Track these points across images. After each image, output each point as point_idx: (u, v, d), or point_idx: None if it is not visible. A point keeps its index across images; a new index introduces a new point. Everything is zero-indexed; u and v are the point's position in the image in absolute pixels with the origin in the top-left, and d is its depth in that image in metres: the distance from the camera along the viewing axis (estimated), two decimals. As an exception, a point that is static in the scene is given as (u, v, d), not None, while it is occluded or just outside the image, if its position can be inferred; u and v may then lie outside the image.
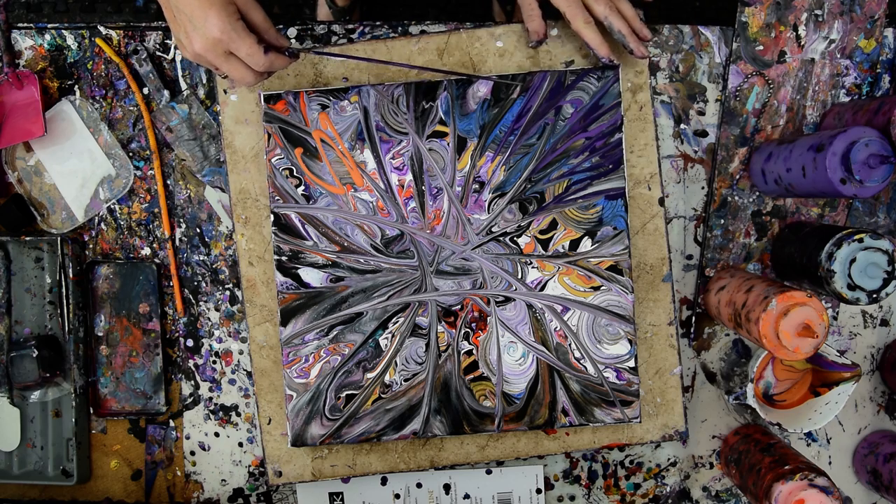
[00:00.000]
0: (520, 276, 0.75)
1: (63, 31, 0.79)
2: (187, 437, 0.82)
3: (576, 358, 0.75)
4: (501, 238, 0.75)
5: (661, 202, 0.77)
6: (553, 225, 0.75)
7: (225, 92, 0.77)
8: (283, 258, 0.75)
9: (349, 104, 0.75)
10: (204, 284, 0.81)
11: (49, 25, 0.79)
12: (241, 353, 0.81)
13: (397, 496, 0.82)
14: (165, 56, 0.80)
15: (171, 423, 0.82)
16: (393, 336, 0.75)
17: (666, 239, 0.78)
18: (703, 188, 0.80)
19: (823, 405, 0.76)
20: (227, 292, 0.81)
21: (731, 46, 0.78)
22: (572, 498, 0.83)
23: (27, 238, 0.79)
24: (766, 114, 0.79)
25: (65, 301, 0.79)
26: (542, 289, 0.75)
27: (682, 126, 0.80)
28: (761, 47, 0.78)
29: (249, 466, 0.82)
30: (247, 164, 0.77)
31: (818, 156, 0.67)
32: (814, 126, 0.79)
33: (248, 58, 0.62)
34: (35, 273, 0.80)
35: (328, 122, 0.75)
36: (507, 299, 0.75)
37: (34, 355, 0.77)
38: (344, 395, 0.76)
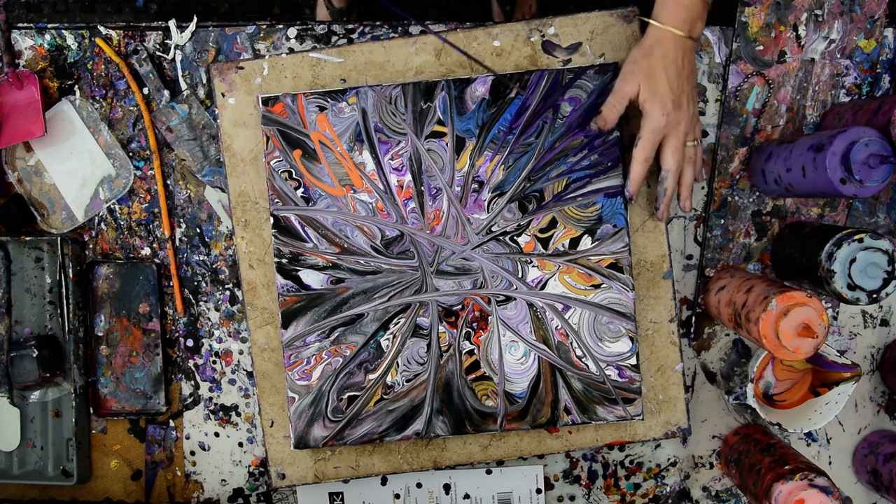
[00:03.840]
0: (520, 275, 0.75)
1: (63, 31, 0.79)
2: (187, 437, 0.82)
3: (577, 356, 0.75)
4: (501, 237, 0.75)
5: (661, 201, 0.77)
6: (553, 223, 0.75)
7: (223, 95, 0.77)
8: (284, 261, 0.75)
9: (347, 105, 0.74)
10: (204, 284, 0.81)
11: (49, 25, 0.79)
12: (241, 353, 0.81)
13: (397, 496, 0.82)
14: (165, 56, 0.79)
15: (171, 423, 0.82)
16: (394, 337, 0.75)
17: (666, 236, 0.77)
18: (703, 188, 0.80)
19: (823, 405, 0.76)
20: (227, 292, 0.81)
21: (731, 46, 0.78)
22: (572, 498, 0.83)
23: (27, 238, 0.79)
24: (766, 114, 0.78)
25: (65, 301, 0.79)
26: (543, 287, 0.75)
27: (682, 126, 0.80)
28: (761, 47, 0.78)
29: (249, 466, 0.82)
30: (246, 167, 0.77)
31: (818, 156, 0.67)
32: (814, 126, 0.79)
33: None
34: (35, 273, 0.80)
35: (326, 123, 0.75)
36: (508, 298, 0.75)
37: (34, 355, 0.77)
38: (346, 396, 0.76)
